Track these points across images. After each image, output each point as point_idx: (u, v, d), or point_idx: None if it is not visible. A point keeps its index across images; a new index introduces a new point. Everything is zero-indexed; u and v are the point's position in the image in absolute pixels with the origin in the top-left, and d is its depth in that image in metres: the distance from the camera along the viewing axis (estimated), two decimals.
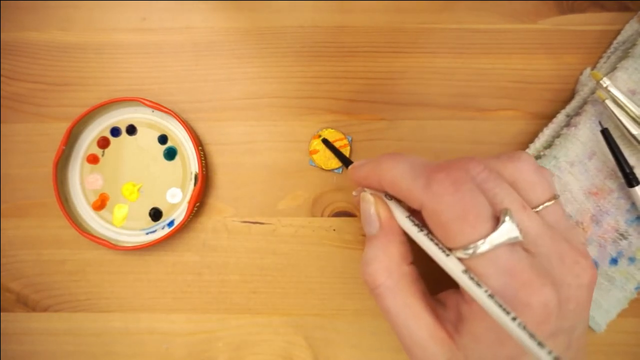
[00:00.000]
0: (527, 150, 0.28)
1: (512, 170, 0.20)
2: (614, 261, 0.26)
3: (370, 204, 0.21)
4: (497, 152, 0.29)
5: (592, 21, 0.29)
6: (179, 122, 0.28)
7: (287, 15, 0.30)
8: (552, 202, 0.20)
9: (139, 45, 0.30)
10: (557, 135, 0.27)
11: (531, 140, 0.28)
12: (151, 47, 0.30)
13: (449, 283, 0.19)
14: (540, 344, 0.15)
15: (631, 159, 0.26)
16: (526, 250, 0.18)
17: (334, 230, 0.29)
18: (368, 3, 0.30)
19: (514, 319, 0.15)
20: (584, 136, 0.26)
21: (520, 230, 0.18)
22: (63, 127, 0.27)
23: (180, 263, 0.29)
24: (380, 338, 0.28)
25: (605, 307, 0.27)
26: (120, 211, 0.29)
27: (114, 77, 0.30)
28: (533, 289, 0.17)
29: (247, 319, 0.29)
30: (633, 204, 0.26)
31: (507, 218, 0.17)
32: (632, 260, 0.26)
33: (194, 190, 0.28)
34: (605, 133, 0.25)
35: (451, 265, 0.18)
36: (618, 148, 0.25)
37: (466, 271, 0.17)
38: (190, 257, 0.29)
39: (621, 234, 0.26)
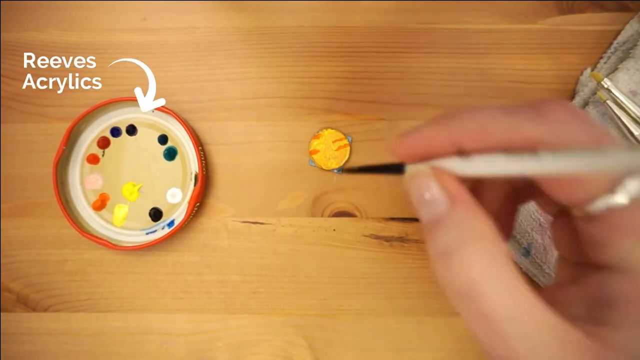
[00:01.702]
0: None
1: None
2: None
3: (427, 175, 0.15)
4: None
5: (592, 21, 0.29)
6: (179, 122, 0.28)
7: (287, 15, 0.30)
8: None
9: (139, 45, 0.30)
10: None
11: None
12: (151, 47, 0.30)
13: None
14: None
15: None
16: None
17: (334, 230, 0.29)
18: (368, 3, 0.30)
19: None
20: None
21: None
22: (63, 127, 0.27)
23: (180, 263, 0.29)
24: (381, 338, 0.28)
25: None
26: (120, 211, 0.29)
27: (114, 77, 0.30)
28: None
29: (247, 319, 0.29)
30: None
31: None
32: None
33: (194, 190, 0.28)
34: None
35: (622, 159, 0.12)
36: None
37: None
38: (190, 257, 0.29)
39: None
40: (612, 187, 0.13)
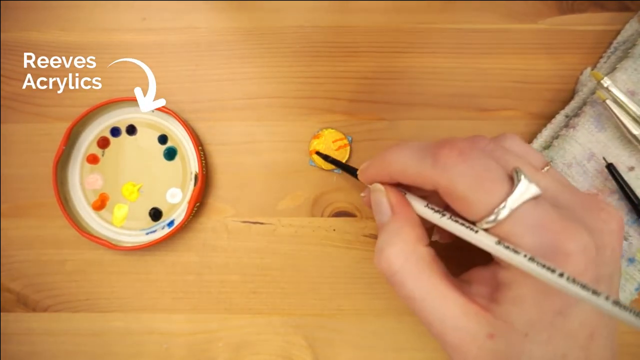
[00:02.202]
0: None
1: (508, 144, 0.20)
2: None
3: (381, 192, 0.21)
4: None
5: (592, 21, 0.29)
6: (179, 122, 0.28)
7: (287, 15, 0.30)
8: (549, 166, 0.20)
9: (139, 45, 0.30)
10: (556, 136, 0.27)
11: (531, 141, 0.28)
12: (151, 47, 0.30)
13: (469, 263, 0.19)
14: (594, 292, 0.14)
15: (631, 160, 0.26)
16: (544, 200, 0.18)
17: (334, 230, 0.29)
18: (368, 3, 0.30)
19: (561, 275, 0.15)
20: (582, 137, 0.26)
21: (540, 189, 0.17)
22: (63, 127, 0.27)
23: (180, 263, 0.29)
24: (381, 338, 0.28)
25: None
26: (120, 211, 0.29)
27: (114, 77, 0.30)
28: (568, 235, 0.16)
29: (247, 319, 0.29)
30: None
31: (521, 176, 0.17)
32: (631, 261, 0.26)
33: (194, 190, 0.28)
34: (610, 168, 0.25)
35: (483, 239, 0.17)
36: (625, 182, 0.25)
37: (499, 242, 0.17)
38: (190, 257, 0.29)
39: None
40: (498, 204, 0.17)
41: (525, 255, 0.16)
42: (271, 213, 0.29)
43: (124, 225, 0.28)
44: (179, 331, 0.29)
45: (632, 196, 0.25)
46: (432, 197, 0.20)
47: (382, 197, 0.21)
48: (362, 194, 0.23)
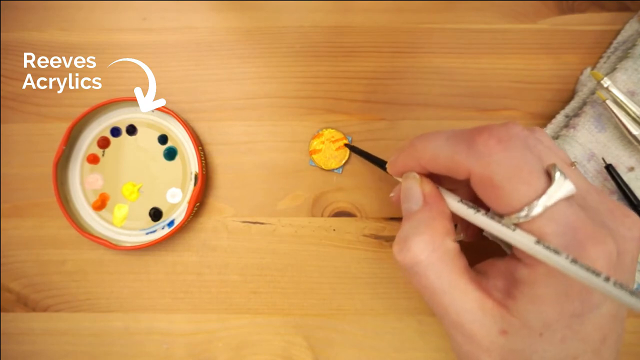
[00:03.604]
0: None
1: (537, 134, 0.19)
2: None
3: (415, 179, 0.20)
4: None
5: (592, 21, 0.29)
6: (179, 122, 0.28)
7: (287, 15, 0.30)
8: (574, 167, 0.20)
9: (139, 45, 0.30)
10: (556, 136, 0.27)
11: None
12: (151, 47, 0.30)
13: (487, 253, 0.19)
14: (632, 293, 0.14)
15: (631, 160, 0.26)
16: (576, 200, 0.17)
17: (334, 230, 0.29)
18: (368, 3, 0.30)
19: (607, 279, 0.14)
20: (582, 138, 0.26)
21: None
22: (63, 127, 0.27)
23: (180, 263, 0.29)
24: (381, 338, 0.28)
25: None
26: (120, 211, 0.29)
27: (114, 77, 0.30)
28: (596, 241, 0.16)
29: (247, 319, 0.29)
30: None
31: (558, 172, 0.16)
32: None
33: (194, 190, 0.28)
34: (610, 169, 0.25)
35: (521, 239, 0.16)
36: (624, 183, 0.25)
37: (538, 241, 0.16)
38: (190, 257, 0.29)
39: None
40: (534, 199, 0.16)
41: (567, 257, 0.15)
42: (271, 213, 0.29)
43: (124, 225, 0.28)
44: (179, 331, 0.29)
45: (631, 197, 0.25)
46: (460, 191, 0.20)
47: (416, 185, 0.20)
48: (391, 194, 0.22)
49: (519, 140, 0.17)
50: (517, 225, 0.17)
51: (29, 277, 0.29)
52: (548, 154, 0.18)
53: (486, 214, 0.18)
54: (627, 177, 0.26)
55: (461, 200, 0.19)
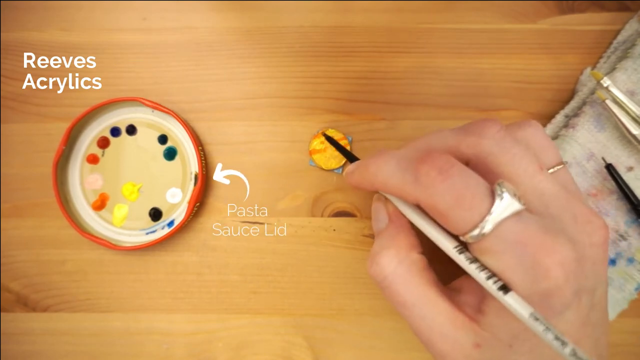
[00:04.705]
0: None
1: (523, 135, 0.20)
2: (612, 262, 0.26)
3: (379, 201, 0.21)
4: None
5: (592, 21, 0.29)
6: (179, 122, 0.28)
7: (287, 15, 0.30)
8: (562, 166, 0.20)
9: (139, 45, 0.30)
10: (556, 136, 0.27)
11: None
12: (151, 47, 0.30)
13: (461, 271, 0.19)
14: (558, 338, 0.15)
15: (630, 160, 0.26)
16: (536, 212, 0.18)
17: (334, 230, 0.29)
18: (368, 3, 0.30)
19: (559, 340, 0.15)
20: (581, 137, 0.26)
21: (535, 192, 0.18)
22: (63, 127, 0.27)
23: (180, 263, 0.29)
24: (381, 338, 0.28)
25: None
26: (120, 211, 0.29)
27: (114, 77, 0.30)
28: (548, 250, 0.16)
29: (247, 319, 0.29)
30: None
31: (503, 191, 0.17)
32: (630, 261, 0.26)
33: (194, 190, 0.28)
34: (609, 168, 0.25)
35: (461, 259, 0.17)
36: (624, 182, 0.25)
37: (490, 277, 0.17)
38: (190, 257, 0.29)
39: (621, 235, 0.26)
40: (480, 221, 0.16)
41: (495, 282, 0.17)
42: (271, 213, 0.29)
43: (124, 225, 0.28)
44: (179, 331, 0.29)
45: (631, 196, 0.25)
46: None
47: (381, 205, 0.21)
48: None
49: (459, 166, 0.17)
50: (470, 246, 0.17)
51: (29, 277, 0.29)
52: (524, 157, 0.18)
53: (444, 235, 0.18)
54: (627, 177, 0.26)
55: (422, 217, 0.19)
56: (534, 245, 0.16)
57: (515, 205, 0.17)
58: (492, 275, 0.17)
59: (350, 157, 0.25)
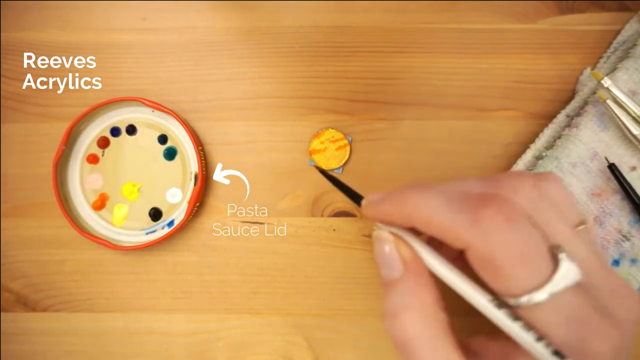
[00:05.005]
0: (528, 150, 0.28)
1: (547, 190, 0.18)
2: (616, 263, 0.26)
3: (389, 242, 0.18)
4: (497, 152, 0.29)
5: (592, 21, 0.29)
6: (179, 122, 0.28)
7: (287, 15, 0.30)
8: (584, 226, 0.18)
9: (139, 45, 0.30)
10: (558, 135, 0.27)
11: (531, 140, 0.28)
12: (151, 47, 0.30)
13: (470, 324, 0.18)
14: None
15: (632, 160, 0.26)
16: (580, 284, 0.16)
17: (334, 230, 0.29)
18: (368, 3, 0.30)
19: None
20: (585, 137, 0.26)
21: (574, 259, 0.16)
22: (63, 127, 0.27)
23: (180, 263, 0.29)
24: (381, 338, 0.28)
25: None
26: (120, 211, 0.28)
27: (114, 77, 0.30)
28: (602, 335, 0.15)
29: (247, 319, 0.29)
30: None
31: (564, 256, 0.15)
32: (634, 261, 0.26)
33: (194, 190, 0.28)
34: (612, 168, 0.25)
35: (521, 333, 0.15)
36: (627, 182, 0.25)
37: (540, 339, 0.15)
38: (190, 257, 0.29)
39: (624, 236, 0.26)
40: (538, 287, 0.15)
41: (547, 346, 0.15)
42: (271, 213, 0.29)
43: (124, 225, 0.28)
44: (179, 331, 0.29)
45: (634, 196, 0.25)
46: (443, 248, 0.18)
47: (393, 250, 0.18)
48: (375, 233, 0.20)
49: (525, 218, 0.16)
50: (515, 309, 0.16)
51: (29, 277, 0.29)
52: (560, 221, 0.17)
53: (477, 288, 0.16)
54: (630, 177, 0.26)
55: (447, 265, 0.17)
56: (589, 327, 0.15)
57: (575, 274, 0.15)
58: (542, 336, 0.15)
59: (355, 197, 0.21)
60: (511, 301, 0.15)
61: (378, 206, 0.19)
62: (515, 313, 0.16)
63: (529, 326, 0.15)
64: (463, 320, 0.18)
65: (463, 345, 0.18)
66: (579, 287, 0.16)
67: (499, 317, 0.16)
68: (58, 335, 0.29)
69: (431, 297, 0.17)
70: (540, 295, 0.15)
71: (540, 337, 0.15)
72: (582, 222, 0.18)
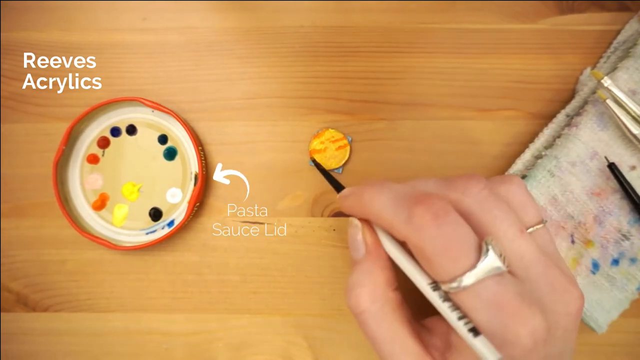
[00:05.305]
0: (527, 150, 0.28)
1: (505, 192, 0.20)
2: (615, 262, 0.26)
3: (357, 229, 0.21)
4: (497, 152, 0.29)
5: (592, 21, 0.29)
6: (179, 122, 0.28)
7: (287, 15, 0.30)
8: (541, 225, 0.20)
9: (139, 45, 0.30)
10: (558, 135, 0.27)
11: (531, 140, 0.28)
12: (151, 47, 0.30)
13: (435, 309, 0.19)
14: None
15: (632, 159, 0.26)
16: (516, 275, 0.18)
17: (334, 230, 0.29)
18: (368, 3, 0.30)
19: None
20: (585, 136, 0.26)
21: (515, 255, 0.18)
22: (63, 127, 0.27)
23: (180, 263, 0.29)
24: None
25: (607, 308, 0.26)
26: (120, 211, 0.29)
27: (114, 77, 0.30)
28: (521, 318, 0.17)
29: (247, 319, 0.29)
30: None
31: (490, 248, 0.17)
32: (633, 260, 0.26)
33: (194, 190, 0.28)
34: (612, 168, 0.25)
35: (435, 298, 0.18)
36: (627, 181, 0.25)
37: (461, 317, 0.17)
38: (190, 257, 0.29)
39: (623, 235, 0.26)
40: (461, 275, 0.17)
41: (466, 324, 0.17)
42: (271, 213, 0.29)
43: (124, 225, 0.28)
44: (179, 331, 0.29)
45: (633, 195, 0.25)
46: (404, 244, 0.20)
47: (358, 234, 0.21)
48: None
49: (454, 215, 0.18)
50: (447, 293, 0.18)
51: (29, 277, 0.29)
52: (506, 219, 0.19)
53: (421, 273, 0.19)
54: (629, 176, 0.26)
55: (396, 245, 0.20)
56: (508, 311, 0.17)
57: (498, 266, 0.17)
58: (464, 316, 0.17)
59: (338, 187, 0.24)
60: (445, 286, 0.17)
61: (344, 200, 0.22)
62: (447, 296, 0.18)
63: (455, 307, 0.17)
64: None
65: (420, 323, 0.21)
66: (506, 276, 0.17)
67: (434, 298, 0.18)
68: (58, 335, 0.29)
69: (383, 277, 0.20)
70: (466, 280, 0.17)
71: (462, 316, 0.17)
72: (539, 222, 0.21)
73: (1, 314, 0.29)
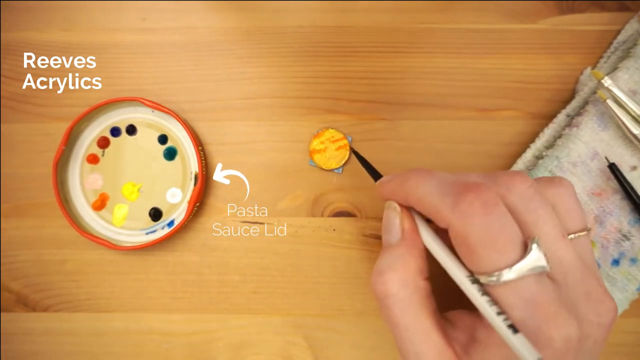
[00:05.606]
0: (528, 149, 0.28)
1: (553, 194, 0.20)
2: (616, 262, 0.26)
3: (396, 212, 0.21)
4: (497, 152, 0.29)
5: (592, 21, 0.29)
6: (179, 122, 0.28)
7: (287, 15, 0.30)
8: (584, 233, 0.20)
9: (139, 45, 0.30)
10: (559, 135, 0.27)
11: (531, 140, 0.28)
12: (151, 47, 0.30)
13: (461, 302, 0.19)
14: None
15: (632, 159, 0.26)
16: (554, 279, 0.18)
17: (334, 230, 0.29)
18: (368, 3, 0.30)
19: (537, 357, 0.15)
20: (585, 136, 0.26)
21: (555, 259, 0.18)
22: (63, 127, 0.27)
23: (180, 263, 0.29)
24: (381, 338, 0.28)
25: None
26: (120, 211, 0.29)
27: (114, 77, 0.30)
28: (557, 322, 0.16)
29: (247, 319, 0.29)
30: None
31: (534, 246, 0.17)
32: (633, 261, 0.26)
33: (194, 190, 0.28)
34: (612, 168, 0.25)
35: (484, 305, 0.17)
36: (627, 182, 0.25)
37: (500, 313, 0.17)
38: (190, 257, 0.29)
39: (624, 235, 0.26)
40: (504, 268, 0.16)
41: (505, 319, 0.16)
42: (271, 213, 0.29)
43: (124, 225, 0.28)
44: (179, 331, 0.29)
45: (634, 196, 0.25)
46: (440, 232, 0.20)
47: (396, 218, 0.21)
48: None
49: (503, 209, 0.17)
50: (484, 286, 0.17)
51: (29, 277, 0.29)
52: (548, 221, 0.18)
53: (453, 258, 0.18)
54: (630, 176, 0.26)
55: (435, 236, 0.20)
56: (545, 312, 0.16)
57: (543, 265, 0.17)
58: (503, 312, 0.17)
59: (375, 175, 0.24)
60: (483, 279, 0.17)
61: (385, 185, 0.21)
62: (485, 290, 0.17)
63: (494, 302, 0.17)
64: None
65: (443, 315, 0.21)
66: (545, 278, 0.17)
67: (471, 290, 0.17)
68: (58, 335, 0.29)
69: (416, 265, 0.19)
70: (507, 275, 0.16)
71: (500, 312, 0.17)
72: (583, 229, 0.20)
73: (1, 314, 0.29)
